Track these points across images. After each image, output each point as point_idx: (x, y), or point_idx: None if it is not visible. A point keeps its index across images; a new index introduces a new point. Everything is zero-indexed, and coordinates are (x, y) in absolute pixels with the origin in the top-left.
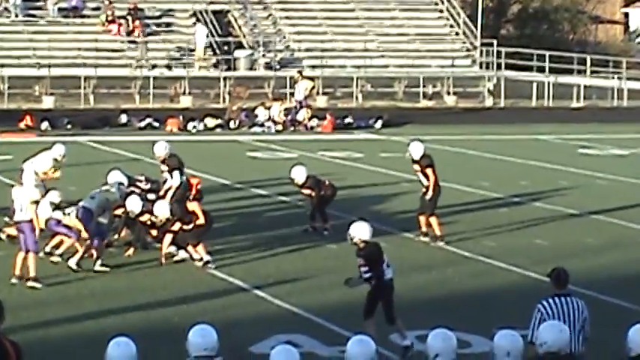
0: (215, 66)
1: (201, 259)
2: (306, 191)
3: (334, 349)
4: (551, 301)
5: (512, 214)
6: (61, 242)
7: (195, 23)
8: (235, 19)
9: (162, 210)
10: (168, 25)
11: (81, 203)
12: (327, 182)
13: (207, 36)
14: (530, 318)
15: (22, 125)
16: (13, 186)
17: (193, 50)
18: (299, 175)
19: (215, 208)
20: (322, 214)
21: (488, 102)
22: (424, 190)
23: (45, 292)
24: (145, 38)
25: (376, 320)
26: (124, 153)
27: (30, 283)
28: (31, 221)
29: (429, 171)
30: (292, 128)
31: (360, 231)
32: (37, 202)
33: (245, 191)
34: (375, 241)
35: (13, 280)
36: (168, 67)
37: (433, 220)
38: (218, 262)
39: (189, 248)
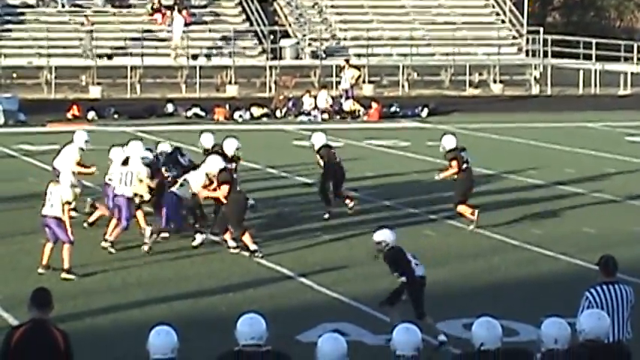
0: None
1: (238, 247)
2: (451, 162)
3: (381, 337)
4: (599, 288)
5: (558, 201)
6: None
7: (180, 12)
8: (281, 8)
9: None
10: (213, 14)
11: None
12: (337, 159)
13: (185, 25)
14: (578, 306)
15: (69, 115)
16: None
17: (238, 40)
18: (317, 140)
19: (262, 197)
20: (337, 190)
21: (535, 90)
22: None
23: (91, 281)
24: (92, 27)
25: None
26: (170, 142)
27: (64, 275)
28: (58, 218)
29: (453, 163)
30: (338, 117)
31: (385, 236)
32: (69, 203)
33: (291, 180)
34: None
35: (40, 270)
36: (208, 56)
37: (462, 208)
38: (265, 251)
39: (226, 235)
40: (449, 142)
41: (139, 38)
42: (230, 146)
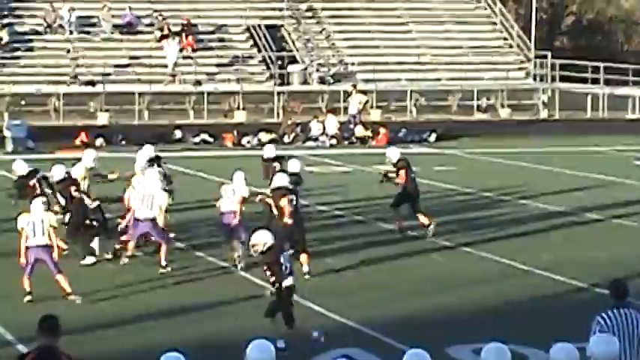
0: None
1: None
2: (399, 172)
3: None
4: (610, 313)
5: (567, 226)
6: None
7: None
8: (289, 34)
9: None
10: (221, 40)
11: None
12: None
13: (181, 51)
14: (589, 331)
15: (77, 142)
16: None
17: (246, 65)
18: (394, 154)
19: None
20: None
21: (543, 114)
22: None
23: (100, 307)
24: (77, 54)
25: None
26: (179, 169)
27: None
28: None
29: (401, 172)
30: (347, 142)
31: (263, 238)
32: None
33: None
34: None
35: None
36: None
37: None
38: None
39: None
40: (394, 155)
41: (146, 64)
42: (295, 166)
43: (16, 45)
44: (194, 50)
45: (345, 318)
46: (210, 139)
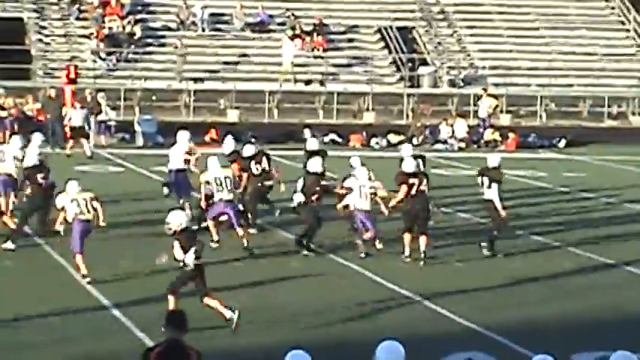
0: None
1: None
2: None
3: None
4: None
5: None
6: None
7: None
8: (420, 36)
9: None
10: (351, 40)
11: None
12: None
13: (299, 49)
14: None
15: (207, 138)
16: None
17: (376, 67)
18: (494, 160)
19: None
20: None
21: None
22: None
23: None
24: (186, 50)
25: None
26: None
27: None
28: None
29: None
30: (475, 146)
31: (177, 218)
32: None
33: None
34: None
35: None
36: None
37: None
38: (397, 278)
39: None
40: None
41: (277, 63)
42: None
43: (148, 40)
44: (324, 50)
45: (469, 321)
46: (339, 139)
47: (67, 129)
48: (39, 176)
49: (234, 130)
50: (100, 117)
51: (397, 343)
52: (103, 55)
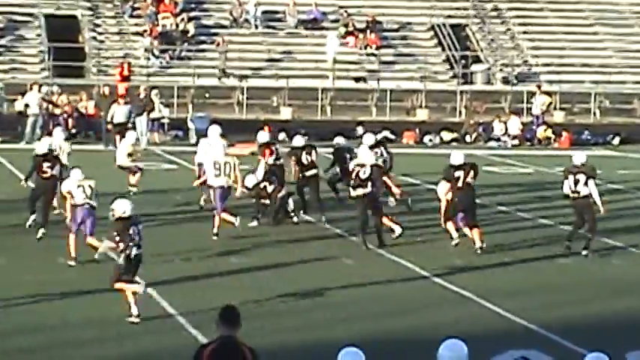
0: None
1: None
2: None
3: None
4: None
5: None
6: None
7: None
8: (473, 33)
9: None
10: (404, 38)
11: None
12: None
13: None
14: None
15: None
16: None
17: (428, 63)
18: (581, 157)
19: None
20: None
21: None
22: None
23: (278, 301)
24: (227, 47)
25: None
26: None
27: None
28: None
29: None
30: (529, 143)
31: (121, 206)
32: None
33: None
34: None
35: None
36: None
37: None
38: (450, 277)
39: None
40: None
41: (325, 60)
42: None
43: (201, 38)
44: (377, 48)
45: (522, 319)
46: (392, 137)
47: (110, 126)
48: (45, 165)
49: (287, 128)
50: (154, 114)
51: (460, 342)
52: (156, 53)
